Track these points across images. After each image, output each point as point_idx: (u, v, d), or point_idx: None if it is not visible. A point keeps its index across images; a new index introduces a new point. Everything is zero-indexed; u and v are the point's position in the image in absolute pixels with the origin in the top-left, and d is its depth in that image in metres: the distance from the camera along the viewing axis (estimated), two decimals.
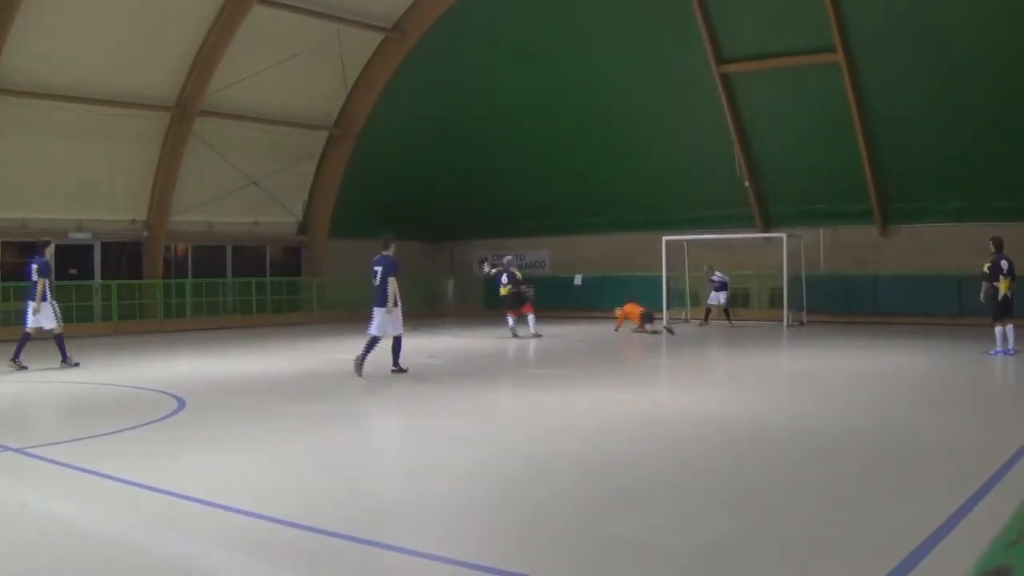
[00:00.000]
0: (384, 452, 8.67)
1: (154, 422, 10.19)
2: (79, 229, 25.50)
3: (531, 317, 21.96)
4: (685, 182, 27.31)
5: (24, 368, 15.13)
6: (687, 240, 26.48)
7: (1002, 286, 15.68)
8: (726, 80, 25.18)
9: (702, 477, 7.36)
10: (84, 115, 24.11)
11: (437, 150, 30.35)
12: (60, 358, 15.72)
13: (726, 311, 25.25)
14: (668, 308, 25.81)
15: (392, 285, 13.70)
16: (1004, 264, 15.77)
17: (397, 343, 14.10)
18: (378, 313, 13.89)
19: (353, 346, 20.67)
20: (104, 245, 26.40)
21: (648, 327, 22.68)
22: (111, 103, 24.39)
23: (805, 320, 24.81)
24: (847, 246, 26.06)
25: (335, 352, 19.28)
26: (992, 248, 16.01)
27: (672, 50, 25.57)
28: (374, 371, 13.84)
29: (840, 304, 25.29)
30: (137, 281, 26.52)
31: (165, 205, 26.41)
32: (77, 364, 15.79)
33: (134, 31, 23.81)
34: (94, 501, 6.73)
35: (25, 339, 15.57)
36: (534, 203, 30.34)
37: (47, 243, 16.27)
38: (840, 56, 22.98)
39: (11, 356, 15.30)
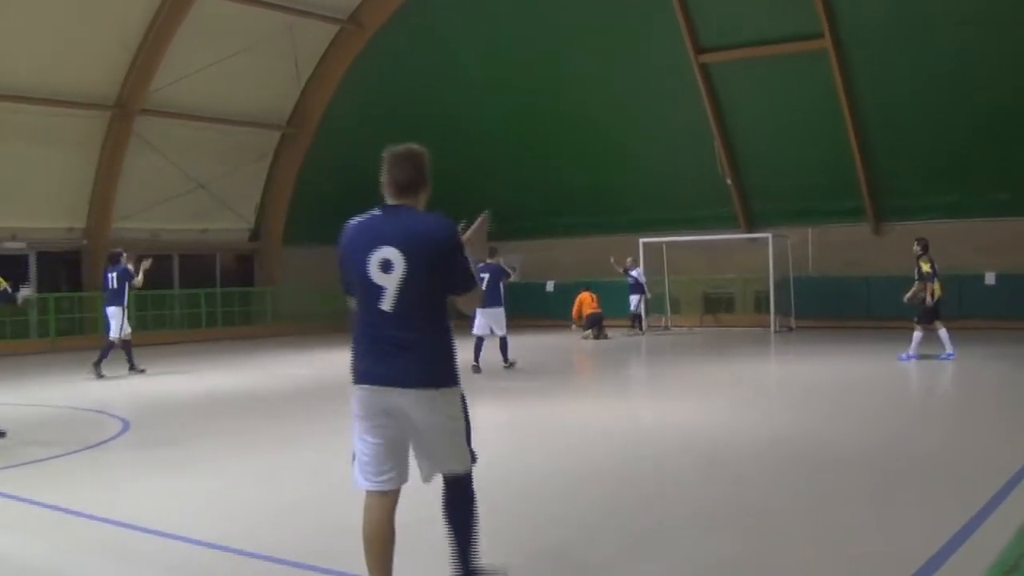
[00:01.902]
0: (338, 473, 8.57)
1: (96, 445, 10.06)
2: (13, 238, 25.17)
3: None
4: (663, 180, 27.25)
5: (102, 377, 16.22)
6: (666, 242, 26.53)
7: (937, 288, 15.98)
8: (705, 70, 25.21)
9: (682, 493, 7.39)
10: (16, 115, 23.74)
11: None
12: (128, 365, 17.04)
13: (638, 317, 25.25)
14: (647, 315, 25.83)
15: (501, 287, 16.28)
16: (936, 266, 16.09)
17: (504, 343, 16.50)
18: (484, 314, 15.96)
19: (310, 360, 20.70)
20: (40, 255, 26.09)
21: (592, 331, 23.88)
22: (45, 101, 24.04)
23: (793, 325, 24.93)
24: (837, 246, 26.05)
25: (290, 367, 19.17)
26: (919, 250, 16.14)
27: (647, 40, 25.54)
28: (342, 384, 13.75)
29: (830, 308, 25.35)
30: (76, 294, 26.28)
31: (106, 212, 26.14)
32: (143, 371, 17.08)
33: (69, 22, 23.46)
34: (29, 531, 6.62)
35: (110, 348, 16.80)
36: (503, 205, 30.12)
37: (120, 252, 17.35)
38: (828, 43, 23.01)
39: (94, 361, 16.51)
